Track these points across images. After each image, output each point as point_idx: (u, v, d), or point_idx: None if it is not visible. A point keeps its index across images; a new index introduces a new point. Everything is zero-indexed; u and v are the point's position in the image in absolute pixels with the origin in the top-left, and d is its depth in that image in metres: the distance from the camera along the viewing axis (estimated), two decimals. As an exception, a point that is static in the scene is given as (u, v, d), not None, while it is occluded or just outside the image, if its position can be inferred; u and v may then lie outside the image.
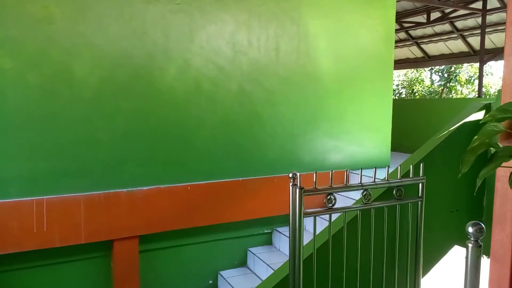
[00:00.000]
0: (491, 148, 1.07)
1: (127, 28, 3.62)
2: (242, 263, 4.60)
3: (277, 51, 4.37)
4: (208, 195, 4.10)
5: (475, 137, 1.13)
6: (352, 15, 4.83)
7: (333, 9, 4.70)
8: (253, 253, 4.51)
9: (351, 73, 4.87)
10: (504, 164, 1.05)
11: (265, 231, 4.70)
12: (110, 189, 3.62)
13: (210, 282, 4.41)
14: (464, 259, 1.61)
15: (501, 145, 1.13)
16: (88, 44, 3.51)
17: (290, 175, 2.29)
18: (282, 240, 4.55)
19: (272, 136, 4.43)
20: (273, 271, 3.94)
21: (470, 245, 1.54)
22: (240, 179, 4.25)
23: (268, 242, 4.74)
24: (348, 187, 2.49)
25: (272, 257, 4.36)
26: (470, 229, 1.52)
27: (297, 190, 2.26)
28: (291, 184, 2.29)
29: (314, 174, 2.30)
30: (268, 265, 4.17)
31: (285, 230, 4.63)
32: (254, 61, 4.25)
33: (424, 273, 3.25)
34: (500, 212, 1.20)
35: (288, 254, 4.35)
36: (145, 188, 3.79)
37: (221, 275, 4.37)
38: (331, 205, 2.38)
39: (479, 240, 1.52)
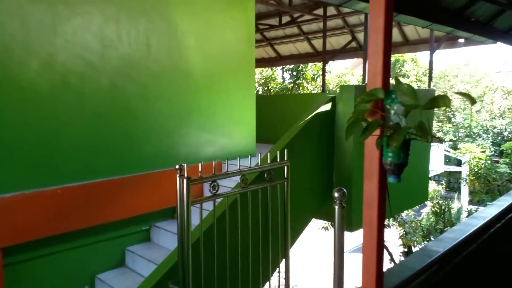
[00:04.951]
0: (363, 123, 1.48)
1: (-25, 16, 3.19)
2: (121, 263, 4.50)
3: (148, 46, 4.38)
4: (82, 197, 3.90)
5: (351, 114, 1.53)
6: (217, 16, 5.14)
7: (200, 7, 4.91)
8: (131, 252, 4.46)
9: (218, 71, 5.19)
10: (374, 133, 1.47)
11: (143, 228, 4.69)
12: (-37, 199, 3.17)
13: (86, 287, 4.22)
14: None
15: (369, 119, 1.55)
16: None
17: (177, 166, 2.43)
18: (161, 234, 4.61)
19: (147, 132, 4.43)
20: (155, 266, 4.01)
21: (336, 207, 1.92)
22: (116, 177, 4.15)
23: (147, 239, 4.74)
24: (229, 174, 2.76)
25: (152, 253, 4.39)
26: (336, 194, 1.90)
27: (184, 180, 2.41)
28: (178, 175, 2.43)
29: (199, 165, 2.50)
30: (149, 260, 4.19)
31: (164, 225, 4.71)
32: (125, 56, 4.18)
33: (292, 243, 3.78)
34: (369, 170, 1.61)
35: (168, 247, 4.48)
36: (7, 195, 3.40)
37: (99, 278, 4.21)
38: (215, 191, 2.62)
39: (342, 203, 1.93)
